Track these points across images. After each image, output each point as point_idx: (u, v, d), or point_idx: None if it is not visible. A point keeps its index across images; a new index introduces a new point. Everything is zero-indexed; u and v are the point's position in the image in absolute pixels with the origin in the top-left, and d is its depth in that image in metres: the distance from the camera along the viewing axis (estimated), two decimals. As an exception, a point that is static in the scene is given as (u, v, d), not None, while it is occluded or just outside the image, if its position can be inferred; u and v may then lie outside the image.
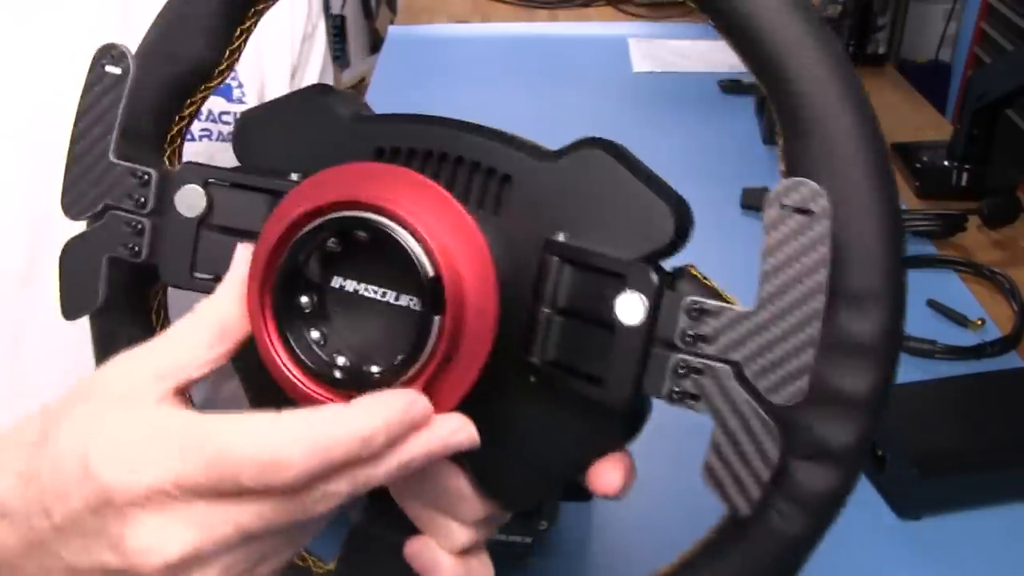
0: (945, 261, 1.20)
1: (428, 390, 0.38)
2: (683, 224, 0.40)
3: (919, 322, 1.07)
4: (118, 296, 0.48)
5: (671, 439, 0.94)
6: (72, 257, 0.46)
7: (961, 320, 1.08)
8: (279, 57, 0.81)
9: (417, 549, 0.44)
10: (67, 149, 0.45)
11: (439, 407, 0.38)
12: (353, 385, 0.38)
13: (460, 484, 0.43)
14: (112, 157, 0.44)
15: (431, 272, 0.37)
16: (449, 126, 0.43)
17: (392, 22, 2.24)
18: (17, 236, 0.66)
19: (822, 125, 0.38)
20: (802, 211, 0.35)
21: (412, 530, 0.45)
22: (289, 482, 0.34)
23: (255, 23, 0.48)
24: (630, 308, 0.38)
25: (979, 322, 1.08)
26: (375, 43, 3.15)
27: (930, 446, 0.85)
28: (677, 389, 0.38)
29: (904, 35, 2.30)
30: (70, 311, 0.47)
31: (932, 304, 1.11)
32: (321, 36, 0.87)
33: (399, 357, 0.38)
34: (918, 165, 1.39)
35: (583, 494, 0.85)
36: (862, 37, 1.77)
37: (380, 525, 0.46)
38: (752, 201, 1.30)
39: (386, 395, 0.37)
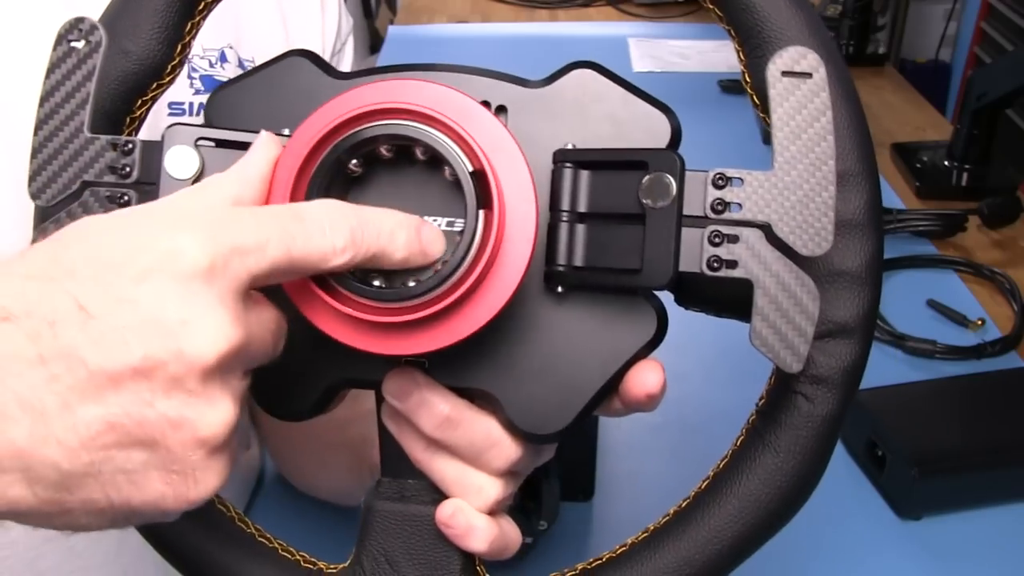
0: (945, 261, 1.20)
1: (468, 299, 0.38)
2: (677, 125, 0.42)
3: (919, 322, 1.07)
4: None
5: (671, 437, 0.94)
6: None
7: (961, 320, 1.08)
8: None
9: (449, 514, 0.43)
10: (33, 133, 0.43)
11: (477, 319, 0.38)
12: (391, 296, 0.38)
13: (490, 428, 0.43)
14: (88, 131, 0.43)
15: (471, 167, 0.38)
16: (433, 69, 0.43)
17: (392, 22, 2.24)
18: (7, 219, 0.65)
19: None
20: (804, 76, 0.39)
21: (429, 500, 0.45)
22: None
23: (204, 18, 0.47)
24: (657, 189, 0.39)
25: (979, 322, 1.08)
26: (375, 43, 3.15)
27: (930, 446, 0.85)
28: (714, 258, 0.39)
29: (904, 35, 2.30)
30: None
31: (932, 304, 1.11)
32: (349, 52, 0.87)
33: (441, 261, 0.38)
34: (918, 165, 1.39)
35: (583, 494, 0.86)
36: (862, 37, 1.77)
37: (395, 500, 0.45)
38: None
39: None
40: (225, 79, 0.74)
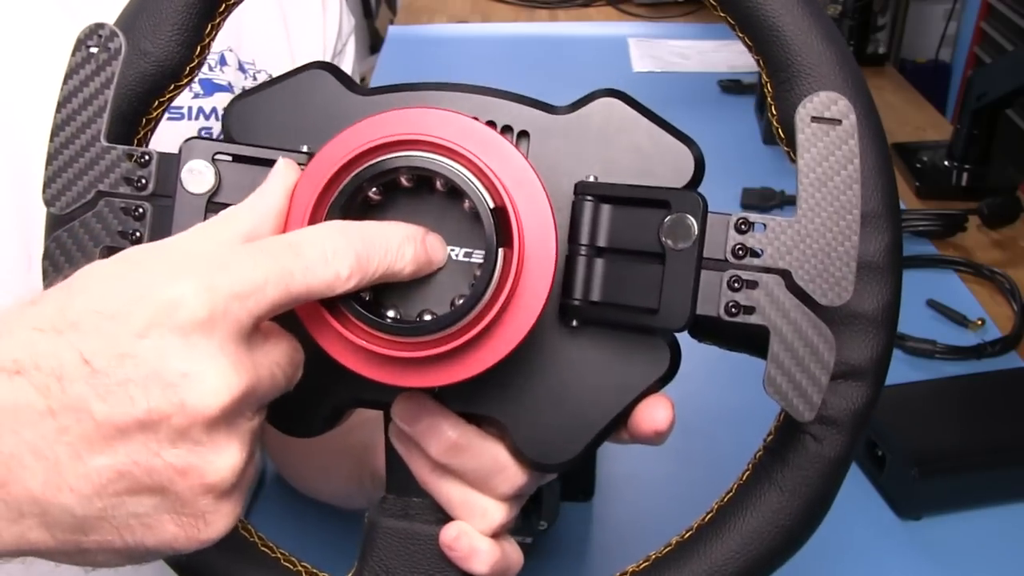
0: (945, 261, 1.20)
1: (484, 336, 0.38)
2: (701, 160, 0.42)
3: (919, 322, 1.07)
4: None
5: (671, 438, 0.94)
6: (59, 255, 0.43)
7: (961, 320, 1.08)
8: None
9: (453, 537, 0.43)
10: (49, 139, 0.42)
11: (491, 356, 0.38)
12: (407, 331, 0.37)
13: (497, 454, 0.43)
14: (105, 140, 0.42)
15: (492, 203, 0.37)
16: (457, 90, 0.43)
17: (392, 22, 2.24)
18: (7, 224, 0.65)
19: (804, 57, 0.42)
20: (833, 122, 0.38)
21: (433, 519, 0.44)
22: None
23: (224, 19, 0.47)
24: (679, 231, 0.39)
25: (979, 322, 1.08)
26: (375, 43, 3.15)
27: (930, 446, 0.85)
28: (732, 303, 0.39)
29: (904, 35, 2.29)
30: None
31: (932, 304, 1.11)
32: (350, 54, 0.87)
33: (458, 299, 0.38)
34: (918, 165, 1.39)
35: (583, 494, 0.86)
36: (862, 37, 1.77)
37: (399, 518, 0.45)
38: (752, 201, 1.30)
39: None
40: (224, 82, 0.74)
